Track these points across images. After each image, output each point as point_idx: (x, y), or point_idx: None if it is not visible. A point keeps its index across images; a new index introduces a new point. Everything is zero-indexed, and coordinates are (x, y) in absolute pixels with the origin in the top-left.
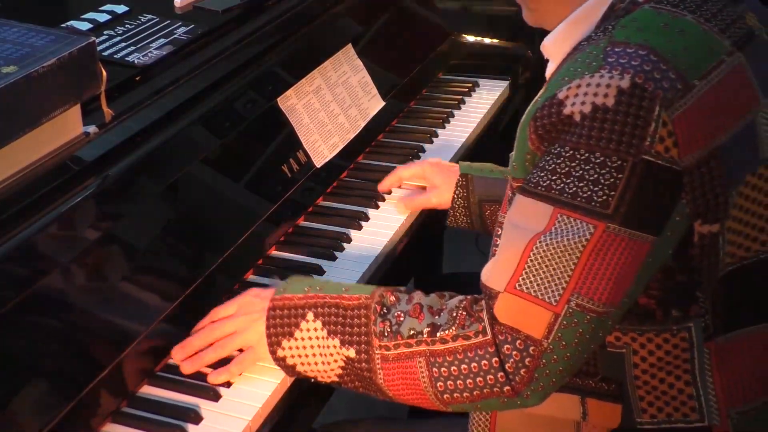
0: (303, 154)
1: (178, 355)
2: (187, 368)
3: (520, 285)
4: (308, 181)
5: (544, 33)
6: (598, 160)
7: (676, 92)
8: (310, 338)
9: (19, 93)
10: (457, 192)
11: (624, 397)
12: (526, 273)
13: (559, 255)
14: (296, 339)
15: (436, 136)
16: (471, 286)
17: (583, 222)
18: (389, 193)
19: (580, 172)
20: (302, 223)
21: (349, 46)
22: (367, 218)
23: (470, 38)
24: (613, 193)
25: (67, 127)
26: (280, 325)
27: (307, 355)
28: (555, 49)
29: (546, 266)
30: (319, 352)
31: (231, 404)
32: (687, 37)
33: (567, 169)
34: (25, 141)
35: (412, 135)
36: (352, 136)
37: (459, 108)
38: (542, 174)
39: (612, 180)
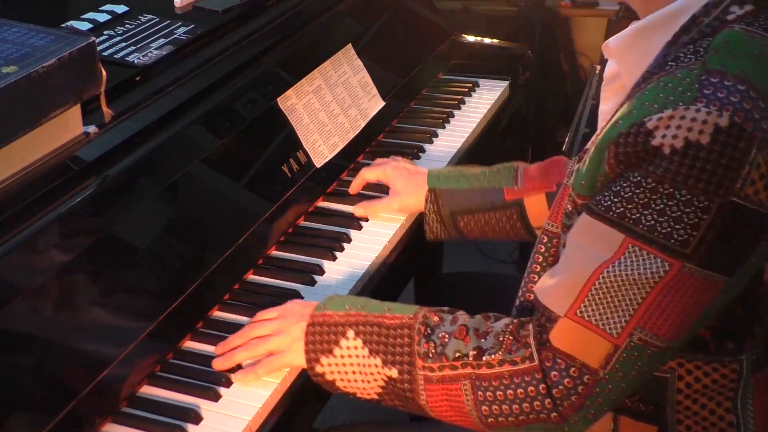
0: (303, 154)
1: (218, 350)
2: (219, 365)
3: (581, 312)
4: (308, 181)
5: (545, 33)
6: (683, 198)
7: None
8: (350, 356)
9: (19, 93)
10: (428, 207)
11: (660, 419)
12: (589, 300)
13: (627, 287)
14: (335, 356)
15: (436, 136)
16: (471, 285)
17: (658, 258)
18: (357, 195)
19: (662, 206)
20: (302, 223)
21: (349, 46)
22: (367, 218)
23: (470, 38)
24: (695, 233)
25: (67, 127)
26: (320, 342)
27: (346, 372)
28: (620, 52)
29: (612, 297)
30: (359, 371)
31: (231, 404)
32: None
33: (646, 200)
34: (25, 141)
35: (412, 135)
36: (352, 136)
37: (459, 108)
38: (616, 199)
39: (696, 220)
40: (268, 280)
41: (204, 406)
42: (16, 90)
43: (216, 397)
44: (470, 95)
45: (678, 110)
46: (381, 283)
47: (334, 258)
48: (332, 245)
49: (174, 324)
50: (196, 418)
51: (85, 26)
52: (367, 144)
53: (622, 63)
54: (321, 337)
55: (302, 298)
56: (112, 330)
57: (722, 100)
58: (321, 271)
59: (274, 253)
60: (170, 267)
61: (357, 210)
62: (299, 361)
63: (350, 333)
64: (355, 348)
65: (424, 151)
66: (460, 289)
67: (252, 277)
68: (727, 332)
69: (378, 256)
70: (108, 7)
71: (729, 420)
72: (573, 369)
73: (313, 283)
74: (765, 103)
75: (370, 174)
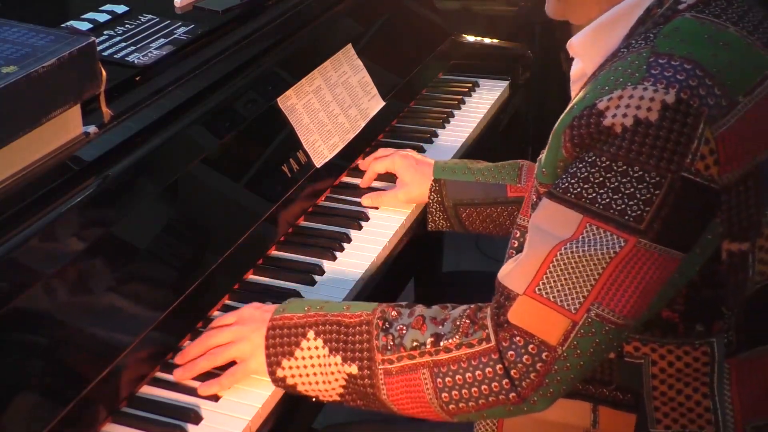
0: (303, 154)
1: (178, 361)
2: (179, 375)
3: (540, 289)
4: (308, 181)
5: (545, 33)
6: (636, 174)
7: (720, 109)
8: (311, 357)
9: (19, 93)
10: (431, 197)
11: (639, 407)
12: (547, 278)
13: (584, 264)
14: (296, 358)
15: (436, 136)
16: (471, 284)
17: (614, 234)
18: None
19: (616, 184)
20: (302, 223)
21: (349, 46)
22: (367, 218)
23: (470, 38)
24: (648, 208)
25: (67, 127)
26: (280, 344)
27: (308, 374)
28: (583, 49)
29: (569, 274)
30: (320, 371)
31: (231, 404)
32: (731, 51)
33: (601, 179)
34: (25, 141)
35: (412, 135)
36: (352, 136)
37: (459, 108)
38: (573, 180)
39: (648, 195)
40: (268, 280)
41: (204, 406)
42: (16, 90)
43: (216, 397)
44: (470, 95)
45: (627, 90)
46: (381, 282)
47: (334, 258)
48: (332, 245)
49: (174, 324)
50: (196, 418)
51: (85, 26)
52: (367, 144)
53: (585, 59)
54: (282, 340)
55: (302, 298)
56: (111, 330)
57: (669, 79)
58: (321, 271)
59: (274, 253)
60: (170, 267)
61: (365, 200)
62: (263, 367)
63: (310, 333)
64: (316, 348)
65: (424, 151)
66: (460, 288)
67: (252, 277)
68: (695, 315)
69: (378, 256)
70: (108, 7)
71: (706, 405)
72: (531, 346)
73: (313, 283)
74: (712, 81)
75: (379, 166)
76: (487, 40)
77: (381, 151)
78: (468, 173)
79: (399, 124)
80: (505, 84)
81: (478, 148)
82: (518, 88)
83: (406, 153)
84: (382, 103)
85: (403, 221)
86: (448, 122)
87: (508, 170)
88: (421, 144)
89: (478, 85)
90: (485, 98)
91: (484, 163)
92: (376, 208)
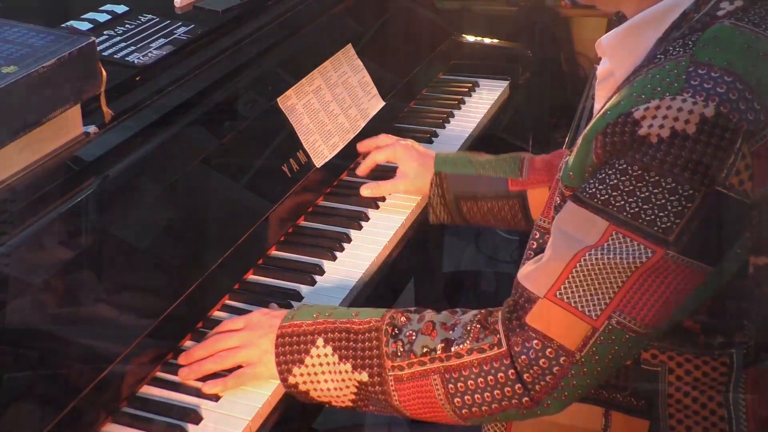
0: (303, 154)
1: (182, 361)
2: (184, 375)
3: (561, 294)
4: (308, 181)
5: (545, 33)
6: (668, 186)
7: (759, 124)
8: (321, 364)
9: (19, 93)
10: (432, 190)
11: (652, 413)
12: (569, 283)
13: (608, 272)
14: (307, 366)
15: (437, 136)
16: (471, 284)
17: (641, 244)
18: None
19: (646, 194)
20: (302, 223)
21: (349, 46)
22: (367, 218)
23: (470, 38)
24: (678, 220)
25: (67, 127)
26: (290, 352)
27: (319, 381)
28: (613, 49)
29: (592, 280)
30: (331, 378)
31: (231, 404)
32: None
33: (631, 188)
34: (25, 141)
35: (412, 135)
36: (352, 136)
37: (459, 108)
38: (600, 186)
39: (680, 208)
40: (268, 280)
41: (204, 406)
42: (16, 90)
43: (216, 397)
44: (470, 95)
45: (665, 100)
46: (381, 282)
47: (334, 258)
48: (332, 245)
49: (174, 324)
50: (196, 418)
51: (85, 26)
52: None
53: (614, 60)
54: (291, 348)
55: (302, 298)
56: (112, 330)
57: (708, 91)
58: (321, 271)
59: (274, 253)
60: (170, 267)
61: (364, 190)
62: (270, 373)
63: (320, 341)
64: (326, 355)
65: None
66: (459, 288)
67: (252, 277)
68: (717, 326)
69: (378, 255)
70: (108, 7)
71: (721, 414)
72: (549, 350)
73: (313, 283)
74: (752, 95)
75: (380, 156)
76: (487, 40)
77: (383, 138)
78: (469, 166)
79: (399, 124)
80: (505, 84)
81: (478, 148)
82: (518, 88)
83: (408, 143)
84: (382, 103)
85: (403, 221)
86: (448, 122)
87: (509, 163)
88: (422, 144)
89: (478, 85)
90: (485, 98)
91: (486, 155)
92: (377, 207)
